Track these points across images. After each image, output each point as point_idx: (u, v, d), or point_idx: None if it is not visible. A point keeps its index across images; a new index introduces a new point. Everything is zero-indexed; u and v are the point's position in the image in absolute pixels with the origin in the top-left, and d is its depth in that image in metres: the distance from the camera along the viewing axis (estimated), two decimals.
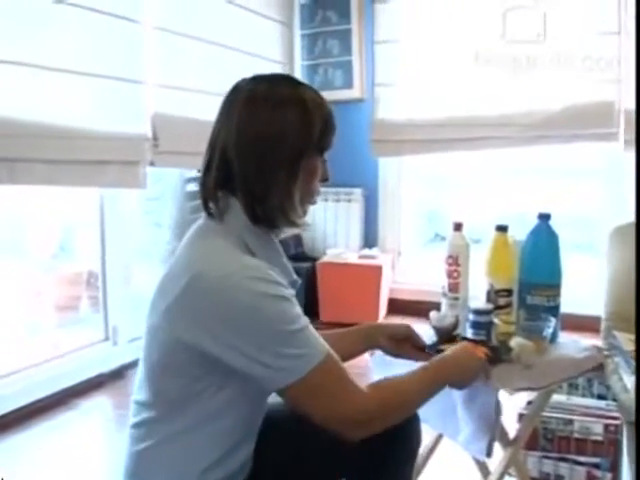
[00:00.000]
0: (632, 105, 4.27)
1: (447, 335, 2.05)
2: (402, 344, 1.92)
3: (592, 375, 2.46)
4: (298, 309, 1.44)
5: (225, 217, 1.50)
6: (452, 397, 1.96)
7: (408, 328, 1.95)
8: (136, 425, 1.53)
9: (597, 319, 2.46)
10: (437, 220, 5.63)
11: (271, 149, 1.47)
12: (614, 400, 2.66)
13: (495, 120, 4.68)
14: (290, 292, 1.46)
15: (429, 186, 5.53)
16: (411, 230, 5.47)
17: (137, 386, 1.55)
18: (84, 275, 4.32)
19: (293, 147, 1.48)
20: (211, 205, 1.51)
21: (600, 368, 2.04)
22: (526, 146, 4.67)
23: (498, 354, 1.90)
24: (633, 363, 1.88)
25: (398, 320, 4.66)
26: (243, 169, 1.48)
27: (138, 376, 1.55)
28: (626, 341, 2.03)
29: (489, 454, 1.88)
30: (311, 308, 4.90)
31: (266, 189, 1.47)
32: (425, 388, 1.61)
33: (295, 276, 1.60)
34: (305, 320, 1.44)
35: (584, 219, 4.94)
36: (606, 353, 2.10)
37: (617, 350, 2.05)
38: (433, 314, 2.13)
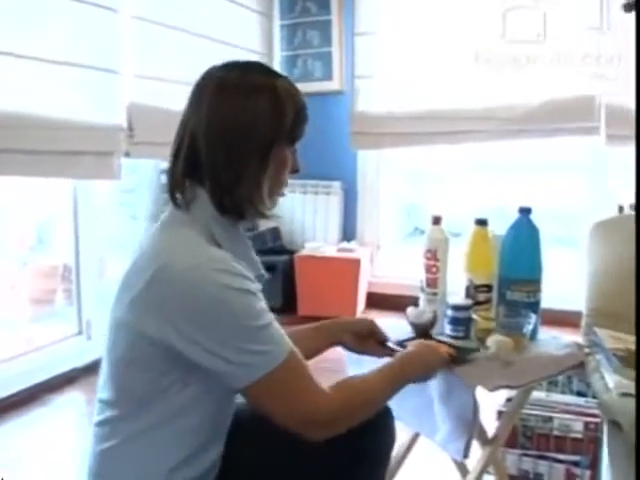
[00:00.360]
0: (613, 99, 4.27)
1: (425, 331, 2.00)
2: (366, 340, 1.89)
3: (573, 373, 2.43)
4: (264, 304, 1.40)
5: (192, 207, 1.45)
6: (428, 394, 1.91)
7: (372, 323, 1.92)
8: (100, 424, 1.47)
9: (577, 314, 2.42)
10: (416, 214, 5.61)
11: (241, 138, 1.43)
12: (594, 397, 2.64)
13: (476, 114, 4.65)
14: (256, 286, 1.41)
15: (409, 180, 5.50)
16: (390, 224, 5.45)
17: (101, 384, 1.49)
18: (60, 268, 4.25)
19: (264, 136, 1.44)
20: (178, 195, 1.47)
21: (581, 366, 2.00)
22: (507, 140, 4.67)
23: (462, 355, 1.86)
24: (615, 361, 1.84)
25: (376, 315, 4.67)
26: (211, 158, 1.43)
27: (102, 374, 1.50)
28: (607, 338, 1.99)
29: (467, 455, 1.84)
30: (289, 302, 4.88)
31: (234, 179, 1.43)
32: (389, 386, 1.59)
33: (262, 270, 1.55)
34: (270, 316, 1.40)
35: (565, 213, 4.92)
36: (587, 350, 2.06)
37: (598, 347, 2.01)
38: (410, 310, 2.08)
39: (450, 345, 1.86)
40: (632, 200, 3.03)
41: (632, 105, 3.64)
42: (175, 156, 1.48)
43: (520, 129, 4.57)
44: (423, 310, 2.11)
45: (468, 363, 1.86)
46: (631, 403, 1.66)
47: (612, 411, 1.75)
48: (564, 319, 3.20)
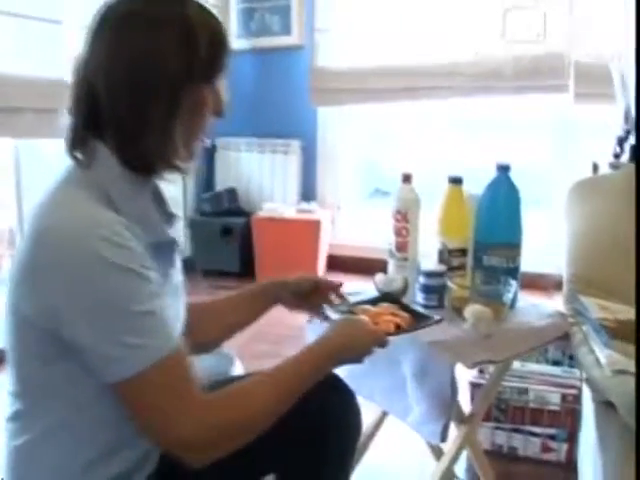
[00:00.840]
0: (582, 57, 4.15)
1: (394, 300, 1.83)
2: (307, 298, 1.74)
3: (557, 345, 2.27)
4: (152, 288, 1.18)
5: (93, 164, 1.24)
6: (400, 372, 1.74)
7: (313, 280, 1.76)
8: (11, 418, 1.28)
9: (547, 277, 2.26)
10: (378, 174, 5.45)
11: (145, 79, 1.21)
12: (570, 366, 2.50)
13: (440, 69, 4.49)
14: (146, 264, 1.19)
15: (370, 139, 5.31)
16: (351, 184, 5.28)
17: (8, 374, 1.29)
18: (5, 233, 4.02)
19: (172, 75, 1.22)
20: (77, 150, 1.26)
21: (565, 337, 1.84)
22: (472, 97, 4.51)
23: (418, 321, 1.64)
24: (605, 334, 1.67)
25: (339, 278, 4.48)
26: (112, 105, 1.22)
27: (7, 363, 1.29)
28: (594, 307, 1.82)
29: (444, 438, 1.67)
30: (247, 265, 4.75)
31: (140, 128, 1.22)
32: (295, 385, 1.33)
33: (170, 235, 1.33)
34: (156, 304, 1.18)
35: (533, 173, 4.77)
36: (571, 320, 1.89)
37: (584, 318, 1.84)
38: (379, 277, 1.91)
39: (406, 309, 1.68)
40: (605, 158, 2.92)
41: (601, 63, 3.61)
42: (74, 108, 1.26)
43: (486, 86, 4.41)
44: (393, 277, 1.94)
45: (424, 328, 1.65)
46: (627, 382, 1.49)
47: (605, 390, 1.59)
48: (535, 282, 3.10)
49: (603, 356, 1.62)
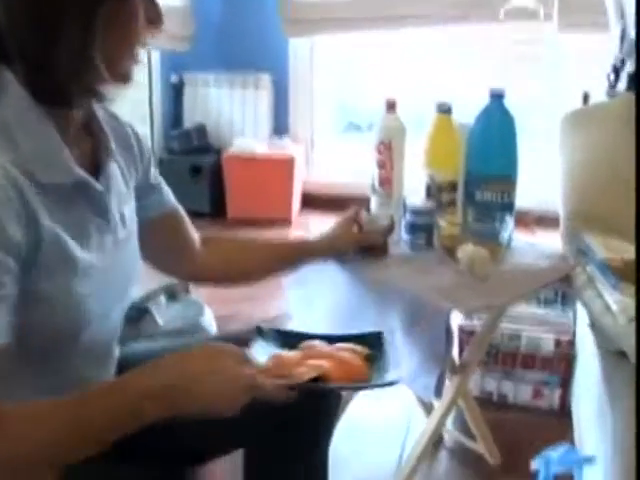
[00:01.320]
0: None
1: (380, 241, 1.66)
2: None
3: (558, 287, 2.12)
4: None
5: (2, 97, 1.02)
6: (388, 322, 1.57)
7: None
8: None
9: (526, 212, 2.12)
10: (351, 108, 5.24)
11: None
12: (563, 306, 2.35)
13: None
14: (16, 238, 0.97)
15: (343, 72, 5.11)
16: (324, 119, 5.09)
17: None
18: None
19: None
20: None
21: (567, 279, 1.67)
22: (451, 25, 4.33)
23: (371, 379, 1.16)
24: (612, 275, 1.51)
25: (315, 217, 4.52)
26: (15, 26, 1.00)
27: None
28: (599, 247, 1.66)
29: (438, 393, 1.52)
30: (217, 205, 4.59)
31: (49, 51, 1.00)
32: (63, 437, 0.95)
33: (84, 176, 1.08)
34: None
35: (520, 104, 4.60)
36: (573, 261, 1.73)
37: (588, 258, 1.68)
38: (363, 216, 1.72)
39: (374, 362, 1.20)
40: (596, 88, 2.78)
41: None
42: None
43: (465, 13, 4.20)
44: (377, 215, 1.76)
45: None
46: None
47: (618, 339, 1.43)
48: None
49: (613, 301, 1.46)
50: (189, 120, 4.88)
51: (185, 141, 4.70)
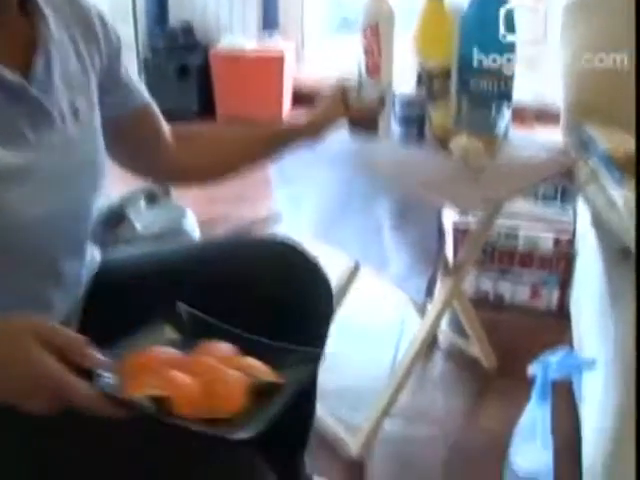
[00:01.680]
0: None
1: (369, 119, 1.54)
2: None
3: (558, 183, 2.01)
4: None
5: None
6: (375, 216, 1.47)
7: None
8: None
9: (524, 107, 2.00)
10: (345, 3, 5.06)
11: None
12: (563, 203, 2.25)
13: None
14: None
15: None
16: (316, 14, 4.93)
17: None
18: None
19: None
20: None
21: (568, 175, 1.57)
22: None
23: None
24: (617, 170, 1.41)
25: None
26: None
27: None
28: (602, 139, 1.55)
29: (430, 293, 1.43)
30: (206, 105, 4.48)
31: None
32: None
33: (10, 79, 0.94)
34: None
35: None
36: (575, 154, 1.62)
37: (591, 150, 1.57)
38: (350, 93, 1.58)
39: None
40: None
41: None
42: None
43: None
44: (366, 90, 1.62)
45: None
46: None
47: (626, 236, 1.33)
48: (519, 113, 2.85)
49: (620, 196, 1.36)
50: (174, 17, 4.72)
51: (171, 39, 4.54)
